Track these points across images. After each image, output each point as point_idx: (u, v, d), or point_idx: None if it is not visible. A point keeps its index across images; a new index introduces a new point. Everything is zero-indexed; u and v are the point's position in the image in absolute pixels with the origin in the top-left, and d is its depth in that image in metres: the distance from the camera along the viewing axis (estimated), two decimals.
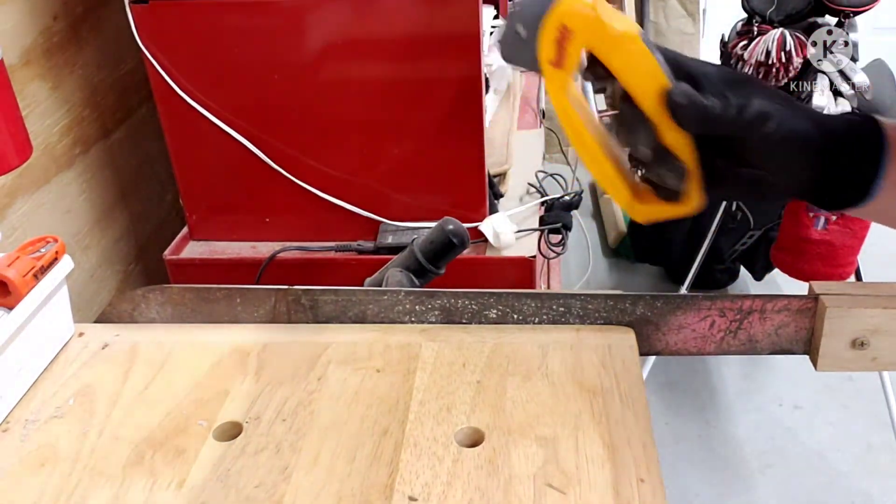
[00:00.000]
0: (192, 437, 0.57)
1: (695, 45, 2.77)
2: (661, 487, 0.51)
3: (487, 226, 1.18)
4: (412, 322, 0.68)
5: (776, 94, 0.53)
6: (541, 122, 1.66)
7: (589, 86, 0.54)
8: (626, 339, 0.65)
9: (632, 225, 2.39)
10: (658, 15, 2.75)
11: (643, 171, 0.54)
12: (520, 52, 0.52)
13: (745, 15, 1.64)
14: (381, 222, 1.20)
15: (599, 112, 1.15)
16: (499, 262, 1.18)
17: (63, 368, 0.64)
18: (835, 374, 1.98)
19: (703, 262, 1.80)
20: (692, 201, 0.53)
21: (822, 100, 1.51)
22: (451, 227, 0.74)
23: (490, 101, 1.51)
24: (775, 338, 0.66)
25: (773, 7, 1.57)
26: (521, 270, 1.18)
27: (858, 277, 1.70)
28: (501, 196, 1.29)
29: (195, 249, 1.25)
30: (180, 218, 1.31)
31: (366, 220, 1.19)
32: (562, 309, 0.67)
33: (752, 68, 1.58)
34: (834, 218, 1.56)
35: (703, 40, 2.76)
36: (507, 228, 1.18)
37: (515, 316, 0.67)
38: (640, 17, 2.72)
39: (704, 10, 2.75)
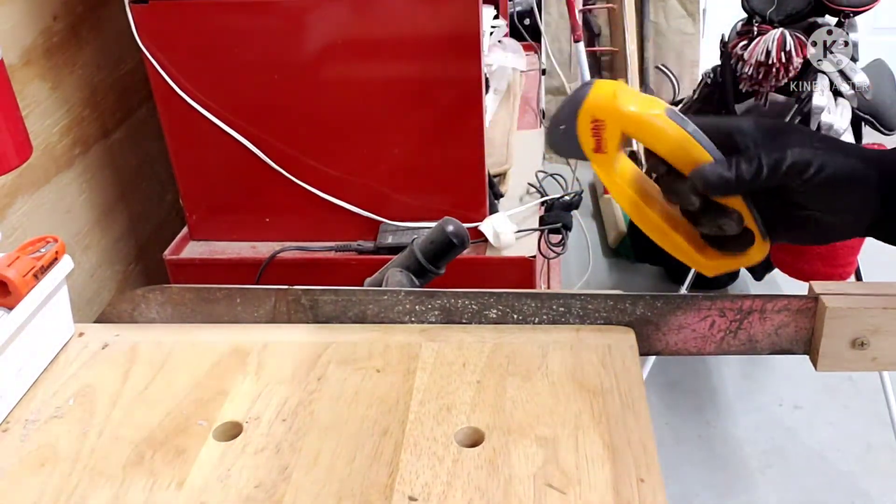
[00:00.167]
0: (192, 437, 0.57)
1: (695, 45, 2.77)
2: (661, 487, 0.51)
3: (487, 226, 1.18)
4: (412, 322, 0.68)
5: (818, 138, 0.53)
6: (541, 122, 1.66)
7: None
8: (626, 339, 0.65)
9: (632, 225, 2.39)
10: (658, 15, 2.75)
11: (700, 225, 0.57)
12: (566, 145, 0.57)
13: (745, 15, 1.64)
14: (381, 222, 1.20)
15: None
16: (499, 262, 1.18)
17: (63, 368, 0.64)
18: (835, 374, 1.98)
19: None
20: (756, 249, 0.56)
21: (822, 100, 1.51)
22: (451, 227, 0.74)
23: (490, 101, 1.51)
24: (775, 338, 0.66)
25: (773, 7, 1.57)
26: (521, 270, 1.18)
27: (858, 277, 1.70)
28: (501, 196, 1.29)
29: (195, 249, 1.25)
30: (180, 218, 1.31)
31: (366, 220, 1.19)
32: (562, 309, 0.67)
33: (752, 68, 1.58)
34: None
35: (703, 40, 2.76)
36: (507, 228, 1.18)
37: (515, 316, 0.67)
38: (640, 17, 2.72)
39: (704, 10, 2.75)
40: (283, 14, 1.06)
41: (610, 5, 2.73)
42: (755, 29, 1.60)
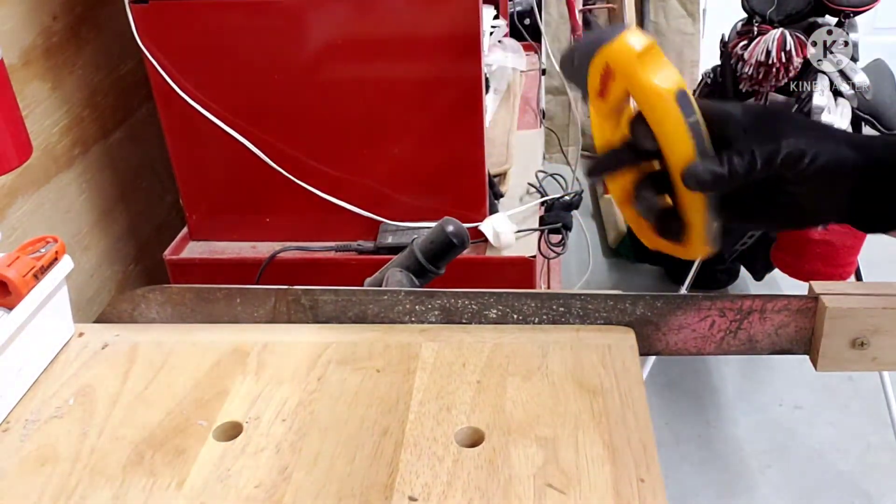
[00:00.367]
0: (192, 437, 0.57)
1: (695, 45, 2.77)
2: (661, 487, 0.51)
3: (487, 226, 1.18)
4: (412, 322, 0.68)
5: (806, 125, 0.53)
6: (541, 122, 1.66)
7: None
8: (626, 339, 0.65)
9: None
10: (658, 15, 2.75)
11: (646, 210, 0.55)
12: (574, 75, 0.55)
13: (745, 15, 1.64)
14: (381, 222, 1.20)
15: None
16: (499, 262, 1.18)
17: (63, 368, 0.64)
18: (835, 374, 1.98)
19: (703, 262, 1.80)
20: (693, 248, 0.55)
21: (822, 100, 1.51)
22: (451, 227, 0.74)
23: (490, 101, 1.51)
24: (775, 338, 0.66)
25: (773, 7, 1.57)
26: (521, 270, 1.18)
27: (858, 277, 1.70)
28: (501, 196, 1.29)
29: (195, 249, 1.25)
30: (180, 218, 1.31)
31: (366, 220, 1.19)
32: (562, 309, 0.67)
33: (752, 68, 1.58)
34: None
35: (703, 40, 2.76)
36: (507, 228, 1.18)
37: (515, 316, 0.67)
38: (641, 17, 2.72)
39: (704, 10, 2.75)
40: (283, 14, 1.06)
41: (610, 5, 2.73)
42: (755, 29, 1.60)
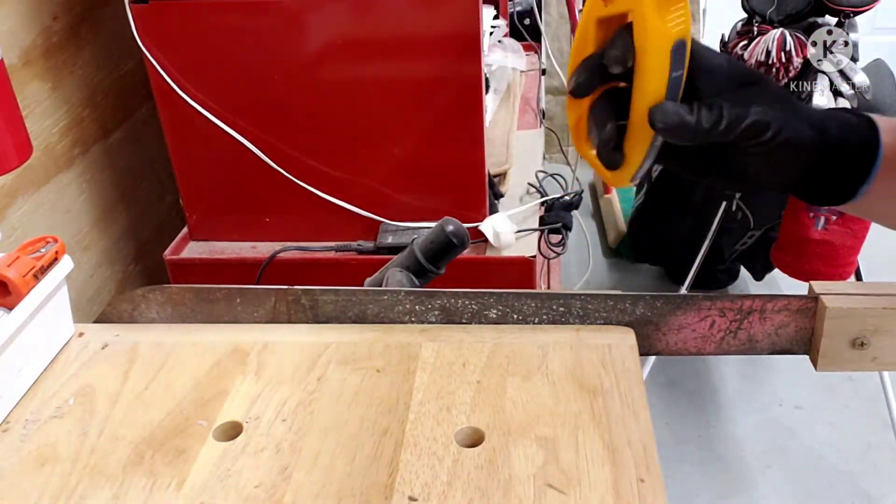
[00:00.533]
0: (192, 437, 0.57)
1: None
2: (661, 487, 0.51)
3: (487, 226, 1.18)
4: (412, 322, 0.68)
5: (779, 97, 0.52)
6: (541, 122, 1.66)
7: None
8: (626, 339, 0.65)
9: (632, 225, 2.39)
10: None
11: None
12: None
13: (745, 15, 1.64)
14: (381, 222, 1.20)
15: None
16: (499, 262, 1.18)
17: (63, 368, 0.64)
18: (835, 374, 1.98)
19: (703, 262, 1.80)
20: (619, 175, 0.53)
21: (822, 100, 1.51)
22: (451, 227, 0.74)
23: (490, 101, 1.51)
24: (775, 338, 0.66)
25: (773, 7, 1.57)
26: (521, 270, 1.18)
27: (858, 277, 1.70)
28: (501, 196, 1.29)
29: (195, 249, 1.25)
30: (180, 218, 1.31)
31: (366, 220, 1.19)
32: (562, 309, 0.67)
33: (752, 68, 1.58)
34: (834, 218, 1.56)
35: (702, 40, 2.76)
36: (507, 228, 1.18)
37: (515, 316, 0.67)
38: None
39: (704, 10, 2.75)
40: (283, 14, 1.06)
41: None
42: (755, 29, 1.60)
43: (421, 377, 0.61)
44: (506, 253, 1.18)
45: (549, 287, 1.61)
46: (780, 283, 2.21)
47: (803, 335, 0.66)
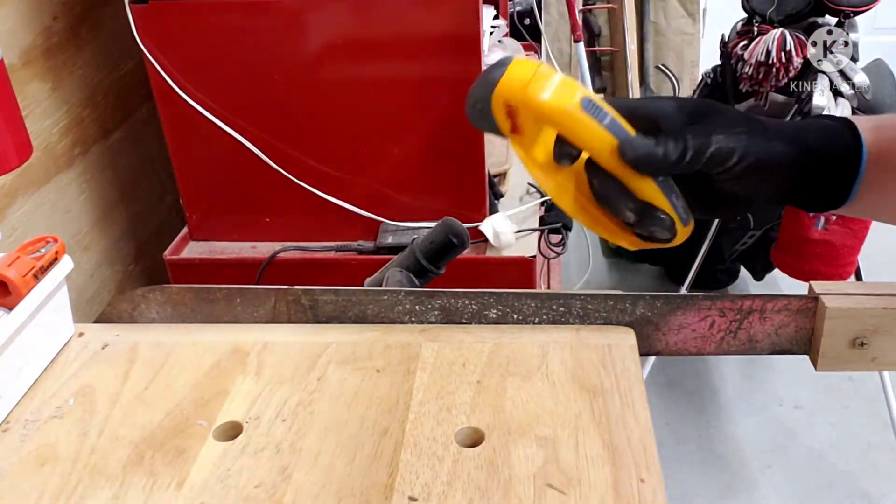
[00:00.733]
0: (192, 437, 0.57)
1: (695, 45, 2.77)
2: (661, 487, 0.51)
3: (487, 226, 1.18)
4: (412, 322, 0.68)
5: (739, 121, 0.53)
6: None
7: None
8: (626, 339, 0.65)
9: None
10: (658, 15, 2.75)
11: (635, 229, 0.55)
12: (483, 123, 0.54)
13: (745, 15, 1.64)
14: (381, 222, 1.20)
15: None
16: (499, 262, 1.18)
17: (63, 368, 0.64)
18: (835, 374, 1.98)
19: (703, 262, 1.80)
20: (680, 236, 0.55)
21: (822, 100, 1.51)
22: (451, 227, 0.74)
23: None
24: (775, 338, 0.66)
25: (773, 7, 1.57)
26: (521, 270, 1.18)
27: (858, 277, 1.70)
28: (501, 196, 1.29)
29: (195, 249, 1.25)
30: (180, 218, 1.31)
31: (366, 220, 1.19)
32: (562, 309, 0.67)
33: (752, 68, 1.58)
34: (834, 218, 1.56)
35: (703, 40, 2.76)
36: (507, 228, 1.18)
37: (515, 316, 0.67)
38: (640, 18, 2.72)
39: (704, 10, 2.75)
40: (283, 14, 1.06)
41: (610, 5, 2.73)
42: (755, 29, 1.60)
43: (421, 377, 0.61)
44: (506, 253, 1.18)
45: (549, 287, 1.61)
46: (780, 283, 2.21)
47: (803, 335, 0.66)
